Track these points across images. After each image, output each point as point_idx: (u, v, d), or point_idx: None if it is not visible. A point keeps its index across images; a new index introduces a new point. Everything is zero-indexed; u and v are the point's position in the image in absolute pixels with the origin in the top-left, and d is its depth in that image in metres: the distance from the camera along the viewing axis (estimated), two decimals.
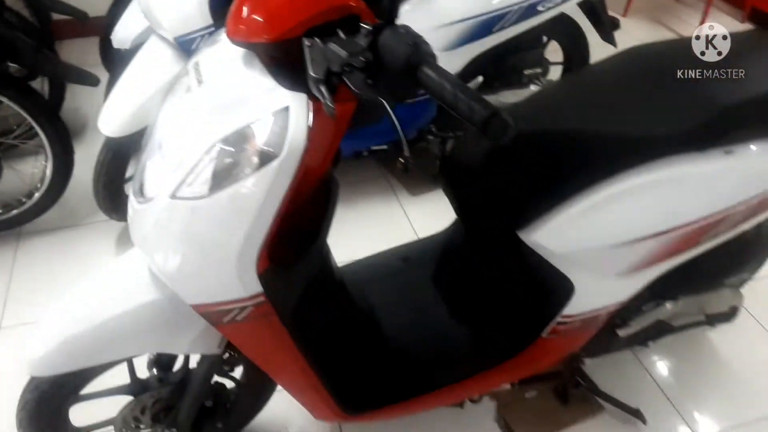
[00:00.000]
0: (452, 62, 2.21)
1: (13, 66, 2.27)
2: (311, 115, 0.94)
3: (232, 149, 0.95)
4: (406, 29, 0.89)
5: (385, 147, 2.49)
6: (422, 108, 2.32)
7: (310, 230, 1.16)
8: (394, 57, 0.87)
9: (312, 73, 0.88)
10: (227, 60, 1.04)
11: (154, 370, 1.41)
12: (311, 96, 0.93)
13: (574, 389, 1.74)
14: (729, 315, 1.66)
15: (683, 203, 1.28)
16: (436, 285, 1.63)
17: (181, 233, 1.01)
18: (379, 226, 2.42)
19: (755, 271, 1.82)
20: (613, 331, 1.52)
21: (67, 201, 2.36)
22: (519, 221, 1.30)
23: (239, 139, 0.95)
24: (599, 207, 1.24)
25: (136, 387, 1.40)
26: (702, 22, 3.77)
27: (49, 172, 2.23)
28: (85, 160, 2.20)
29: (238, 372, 1.47)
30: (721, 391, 1.82)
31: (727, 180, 1.30)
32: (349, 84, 0.88)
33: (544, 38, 2.63)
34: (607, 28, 2.58)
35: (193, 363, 1.38)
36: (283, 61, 0.98)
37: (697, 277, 1.55)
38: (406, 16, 2.05)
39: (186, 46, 1.97)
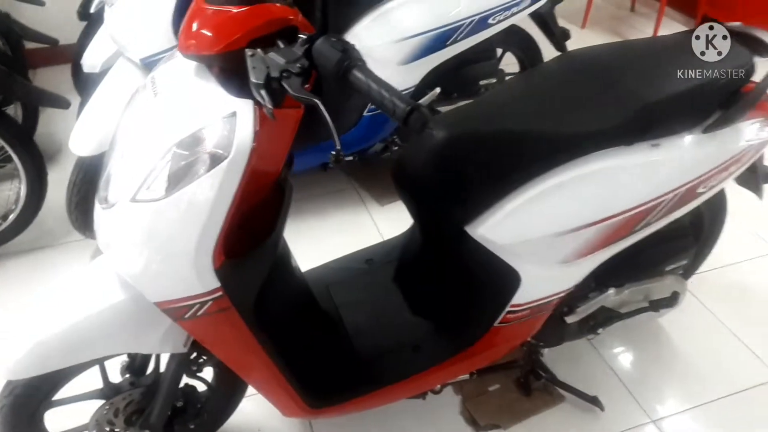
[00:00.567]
0: (410, 75, 2.29)
1: None
2: (258, 119, 1.03)
3: (186, 152, 1.04)
4: (337, 38, 0.98)
5: (351, 158, 2.58)
6: (384, 119, 2.40)
7: (266, 229, 1.24)
8: (327, 62, 0.96)
9: (254, 80, 0.98)
10: (181, 73, 1.13)
11: (127, 375, 1.46)
12: (257, 102, 1.02)
13: (536, 381, 1.82)
14: (671, 300, 1.74)
15: (615, 194, 1.38)
16: (398, 283, 1.71)
17: (142, 234, 1.09)
18: (349, 235, 2.48)
19: (699, 259, 1.92)
20: (562, 319, 1.61)
21: (43, 222, 2.41)
22: (466, 217, 1.39)
23: (192, 142, 1.04)
24: (537, 200, 1.34)
25: (109, 391, 1.44)
26: (656, 32, 3.92)
27: (23, 194, 2.28)
28: (60, 182, 2.25)
29: (208, 375, 1.52)
30: (674, 377, 1.91)
31: (654, 171, 1.40)
32: (287, 88, 0.97)
33: (499, 50, 2.74)
34: (558, 38, 2.69)
35: (164, 366, 1.43)
36: (231, 70, 1.08)
37: (639, 265, 1.64)
38: (363, 32, 2.12)
39: (152, 66, 2.03)
